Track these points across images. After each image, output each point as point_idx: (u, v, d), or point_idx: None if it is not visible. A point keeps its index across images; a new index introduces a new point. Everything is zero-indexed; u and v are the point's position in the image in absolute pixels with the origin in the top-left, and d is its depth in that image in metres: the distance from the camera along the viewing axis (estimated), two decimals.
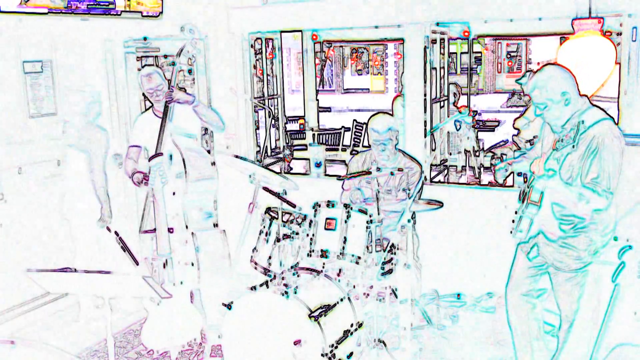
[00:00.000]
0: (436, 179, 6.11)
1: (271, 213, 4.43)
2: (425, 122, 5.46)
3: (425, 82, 5.38)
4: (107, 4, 4.95)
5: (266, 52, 6.82)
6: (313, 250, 4.15)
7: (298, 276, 4.01)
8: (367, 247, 4.07)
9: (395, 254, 4.20)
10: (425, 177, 4.99)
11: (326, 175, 6.61)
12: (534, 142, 3.64)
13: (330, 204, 4.18)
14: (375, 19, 5.39)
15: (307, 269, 4.14)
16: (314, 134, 7.48)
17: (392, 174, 4.51)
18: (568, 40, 4.71)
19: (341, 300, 3.95)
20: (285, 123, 7.38)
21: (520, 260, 3.72)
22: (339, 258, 4.06)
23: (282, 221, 4.23)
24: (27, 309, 4.93)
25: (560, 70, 3.46)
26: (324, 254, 4.10)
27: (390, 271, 4.19)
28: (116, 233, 3.95)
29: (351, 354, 3.90)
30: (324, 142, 7.58)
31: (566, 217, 3.44)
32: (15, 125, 4.89)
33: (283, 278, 3.93)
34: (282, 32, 6.64)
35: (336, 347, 3.70)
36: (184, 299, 4.24)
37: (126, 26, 5.38)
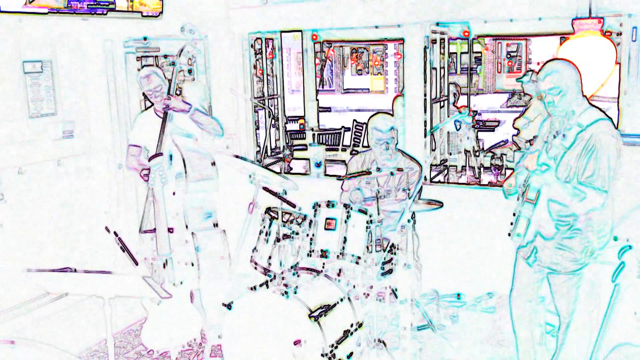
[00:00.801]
0: (436, 179, 6.12)
1: (271, 213, 4.43)
2: (425, 122, 5.47)
3: (425, 82, 5.38)
4: (107, 3, 4.95)
5: (266, 52, 6.82)
6: (313, 250, 4.14)
7: (298, 276, 4.01)
8: (367, 247, 4.07)
9: (395, 254, 4.20)
10: (425, 177, 4.98)
11: (326, 175, 6.61)
12: (533, 142, 3.64)
13: (330, 204, 4.18)
14: (375, 19, 5.40)
15: (307, 269, 4.14)
16: (314, 134, 7.48)
17: (392, 174, 4.51)
18: (568, 40, 4.71)
19: (341, 300, 3.95)
20: (285, 123, 7.39)
21: (521, 266, 3.72)
22: (339, 258, 4.06)
23: (282, 221, 4.23)
24: (27, 309, 4.93)
25: (570, 65, 3.48)
26: (324, 254, 4.10)
27: (390, 271, 4.19)
28: (115, 233, 3.95)
29: (351, 354, 3.90)
30: (324, 142, 7.58)
31: (562, 217, 3.44)
32: (15, 125, 4.89)
33: (283, 278, 3.93)
34: (282, 32, 6.64)
35: (336, 347, 3.70)
36: (184, 299, 4.23)
37: (126, 26, 5.38)
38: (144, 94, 4.75)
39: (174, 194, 4.33)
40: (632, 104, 4.64)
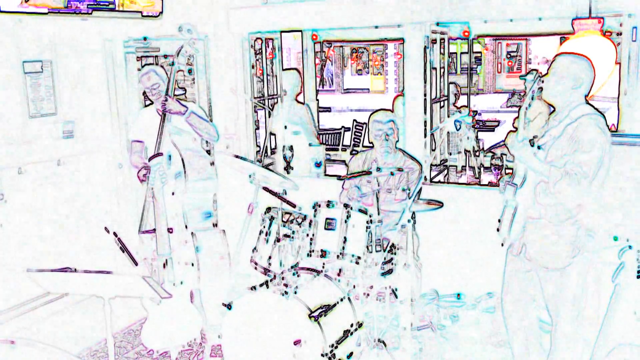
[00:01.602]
0: (436, 179, 6.12)
1: (271, 213, 4.43)
2: (425, 122, 5.46)
3: (425, 82, 5.38)
4: (107, 3, 4.95)
5: (266, 52, 6.82)
6: (313, 250, 4.14)
7: (298, 276, 4.01)
8: (367, 247, 4.07)
9: (395, 254, 4.20)
10: (425, 177, 4.99)
11: (326, 175, 6.61)
12: (533, 142, 3.65)
13: (330, 204, 4.18)
14: (375, 19, 5.39)
15: (307, 269, 4.14)
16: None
17: (392, 174, 4.51)
18: (568, 40, 4.71)
19: (341, 300, 3.95)
20: None
21: (511, 265, 3.73)
22: (339, 258, 4.06)
23: (282, 221, 4.23)
24: (27, 309, 4.93)
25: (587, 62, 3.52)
26: (324, 254, 4.10)
27: (390, 271, 4.19)
28: (115, 234, 3.95)
29: (351, 354, 3.90)
30: (324, 142, 7.58)
31: (550, 213, 3.46)
32: (15, 125, 4.89)
33: (283, 278, 3.93)
34: (282, 32, 6.63)
35: (336, 347, 3.70)
36: (184, 299, 4.24)
37: (126, 26, 5.38)
38: (144, 92, 4.76)
39: (173, 194, 4.33)
40: (632, 104, 4.64)
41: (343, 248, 4.06)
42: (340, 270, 4.11)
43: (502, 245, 3.63)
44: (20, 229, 4.92)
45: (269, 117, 6.62)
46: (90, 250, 5.44)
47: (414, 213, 4.27)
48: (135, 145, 4.63)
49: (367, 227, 4.07)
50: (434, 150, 5.96)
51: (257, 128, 6.57)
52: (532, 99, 3.50)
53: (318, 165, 6.65)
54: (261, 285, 3.90)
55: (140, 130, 4.64)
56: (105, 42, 5.45)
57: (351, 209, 4.12)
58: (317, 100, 7.52)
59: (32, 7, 4.49)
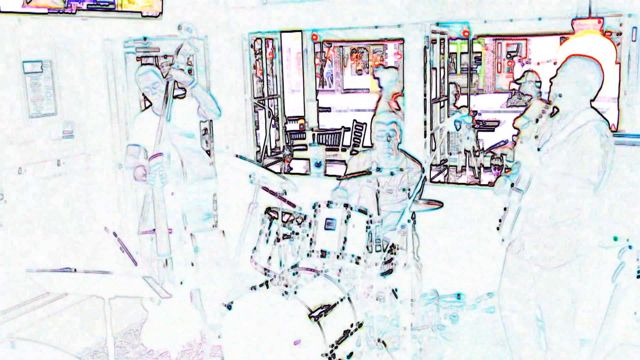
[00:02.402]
0: (436, 179, 6.12)
1: (271, 213, 4.43)
2: (425, 122, 5.47)
3: (425, 82, 5.38)
4: (107, 3, 4.94)
5: (266, 52, 6.82)
6: (313, 250, 4.14)
7: (298, 276, 4.01)
8: (367, 247, 4.07)
9: (395, 254, 4.20)
10: (425, 177, 4.99)
11: (326, 175, 6.61)
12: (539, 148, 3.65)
13: (330, 204, 4.18)
14: (375, 19, 5.39)
15: (307, 269, 4.14)
16: (314, 134, 7.48)
17: (392, 174, 4.51)
18: (568, 40, 4.71)
19: (341, 300, 3.95)
20: (285, 123, 7.39)
21: (510, 262, 3.73)
22: (339, 258, 4.06)
23: (282, 221, 4.23)
24: (27, 309, 4.93)
25: (594, 65, 3.49)
26: (324, 254, 4.10)
27: (390, 271, 4.19)
28: (115, 234, 3.95)
29: (351, 354, 3.90)
30: (324, 142, 7.58)
31: (550, 215, 3.47)
32: (15, 125, 4.89)
33: (283, 278, 3.93)
34: (282, 32, 6.64)
35: (336, 347, 3.70)
36: (184, 299, 4.23)
37: (126, 26, 5.38)
38: (143, 93, 4.75)
39: (172, 194, 4.33)
40: (632, 104, 4.64)
41: (343, 248, 4.06)
42: (340, 270, 4.11)
43: (502, 240, 3.61)
44: (20, 229, 4.92)
45: None
46: (90, 251, 5.44)
47: (414, 213, 4.27)
48: (131, 149, 4.62)
49: (367, 227, 4.07)
50: (434, 150, 5.96)
51: (257, 128, 6.58)
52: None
53: (318, 165, 6.66)
54: (261, 285, 3.90)
55: (138, 134, 4.63)
56: (105, 42, 5.44)
57: (351, 209, 4.12)
58: (317, 100, 7.53)
59: (32, 7, 4.49)
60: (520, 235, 3.58)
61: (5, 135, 4.81)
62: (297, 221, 4.30)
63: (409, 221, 4.05)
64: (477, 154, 6.52)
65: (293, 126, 7.51)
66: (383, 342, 4.11)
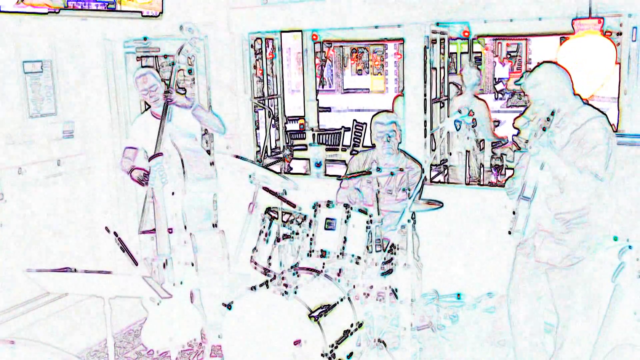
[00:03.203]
0: (436, 179, 6.11)
1: (271, 213, 4.43)
2: (425, 122, 5.46)
3: (425, 82, 5.38)
4: (107, 3, 4.94)
5: (266, 52, 6.82)
6: (313, 250, 4.14)
7: (298, 276, 4.01)
8: (367, 247, 4.07)
9: (395, 254, 4.20)
10: (425, 177, 4.99)
11: (326, 175, 6.60)
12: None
13: (330, 204, 4.18)
14: (375, 19, 5.39)
15: (307, 269, 4.14)
16: (314, 134, 7.47)
17: (392, 174, 4.51)
18: (568, 40, 4.71)
19: (341, 300, 3.95)
20: (285, 123, 7.38)
21: (520, 262, 3.72)
22: (339, 258, 4.06)
23: (282, 221, 4.23)
24: (27, 309, 4.93)
25: (558, 68, 3.51)
26: (324, 254, 4.10)
27: (390, 271, 4.19)
28: (115, 234, 3.95)
29: (351, 354, 3.90)
30: (324, 142, 7.58)
31: (560, 214, 3.46)
32: (15, 125, 4.89)
33: (283, 278, 3.93)
34: (282, 32, 6.63)
35: (336, 347, 3.70)
36: (184, 299, 4.23)
37: (126, 26, 5.38)
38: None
39: (172, 194, 4.33)
40: (632, 104, 4.64)
41: (343, 248, 4.06)
42: (340, 270, 4.11)
43: (509, 233, 3.59)
44: (20, 229, 4.92)
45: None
46: (90, 250, 5.44)
47: (414, 213, 4.28)
48: (127, 151, 4.62)
49: (367, 227, 4.07)
50: (434, 150, 5.96)
51: (257, 128, 6.57)
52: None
53: (318, 165, 6.65)
54: (261, 285, 3.90)
55: (137, 137, 4.62)
56: (105, 42, 5.44)
57: (351, 209, 4.12)
58: (317, 100, 7.52)
59: (31, 7, 4.49)
60: (530, 237, 3.57)
61: (5, 135, 4.81)
62: (297, 221, 4.30)
63: (409, 221, 4.05)
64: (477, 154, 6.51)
65: (293, 126, 7.50)
66: (383, 342, 4.11)
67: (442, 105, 6.82)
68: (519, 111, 6.11)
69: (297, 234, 4.26)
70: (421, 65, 5.33)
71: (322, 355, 3.63)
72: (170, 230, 4.29)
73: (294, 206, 4.41)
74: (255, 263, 4.40)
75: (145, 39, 5.56)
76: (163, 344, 4.22)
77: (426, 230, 4.65)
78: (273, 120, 7.04)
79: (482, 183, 5.98)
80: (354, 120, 8.08)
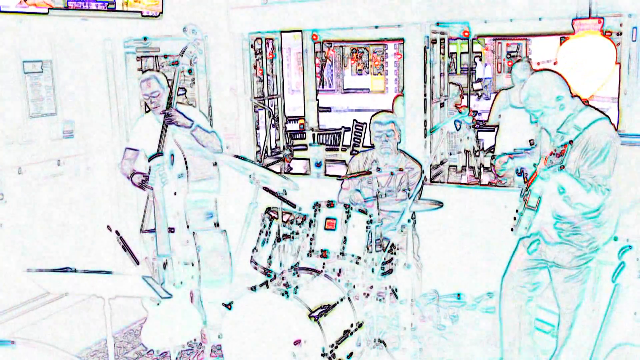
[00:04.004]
0: (436, 179, 6.11)
1: (271, 213, 4.43)
2: (425, 122, 5.47)
3: (425, 82, 5.38)
4: (107, 3, 4.94)
5: (266, 52, 6.82)
6: (313, 250, 4.14)
7: (298, 276, 4.01)
8: (367, 247, 4.07)
9: (395, 254, 4.20)
10: (425, 177, 4.99)
11: (326, 175, 6.61)
12: (534, 142, 3.66)
13: (330, 204, 4.18)
14: (375, 19, 5.39)
15: (307, 269, 4.14)
16: (314, 134, 7.48)
17: (392, 174, 4.51)
18: (568, 40, 4.71)
19: (341, 300, 3.95)
20: (285, 123, 7.39)
21: (520, 252, 3.72)
22: (339, 258, 4.06)
23: (282, 221, 4.23)
24: (27, 309, 4.93)
25: (552, 75, 3.48)
26: (324, 254, 4.10)
27: (390, 271, 4.19)
28: (117, 232, 3.95)
29: (351, 354, 3.90)
30: (324, 142, 7.58)
31: (565, 222, 3.46)
32: (15, 125, 4.89)
33: (283, 278, 3.93)
34: (282, 32, 6.64)
35: (336, 347, 3.70)
36: (184, 299, 4.23)
37: (126, 26, 5.38)
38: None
39: (175, 193, 4.33)
40: (632, 104, 4.64)
41: (343, 248, 4.06)
42: (340, 270, 4.11)
43: (512, 230, 3.59)
44: (20, 229, 4.92)
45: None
46: (91, 250, 5.44)
47: (414, 213, 4.28)
48: (128, 152, 4.61)
49: (367, 227, 4.07)
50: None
51: (257, 128, 6.57)
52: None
53: (318, 165, 6.66)
54: (261, 285, 3.90)
55: (138, 138, 4.62)
56: (105, 42, 5.44)
57: (351, 209, 4.12)
58: (317, 100, 7.52)
59: (32, 7, 4.49)
60: (533, 235, 3.57)
61: (5, 135, 4.81)
62: (297, 221, 4.30)
63: (409, 221, 4.05)
64: (477, 154, 6.52)
65: (293, 126, 7.50)
66: (383, 342, 4.11)
67: (442, 105, 6.83)
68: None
69: (297, 234, 4.26)
70: (421, 65, 5.33)
71: (322, 355, 3.63)
72: (171, 230, 4.29)
73: (294, 206, 4.41)
74: (255, 263, 4.40)
75: (145, 39, 5.56)
76: (163, 344, 4.22)
77: (426, 230, 4.65)
78: (273, 120, 7.04)
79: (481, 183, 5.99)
80: (354, 120, 8.09)
